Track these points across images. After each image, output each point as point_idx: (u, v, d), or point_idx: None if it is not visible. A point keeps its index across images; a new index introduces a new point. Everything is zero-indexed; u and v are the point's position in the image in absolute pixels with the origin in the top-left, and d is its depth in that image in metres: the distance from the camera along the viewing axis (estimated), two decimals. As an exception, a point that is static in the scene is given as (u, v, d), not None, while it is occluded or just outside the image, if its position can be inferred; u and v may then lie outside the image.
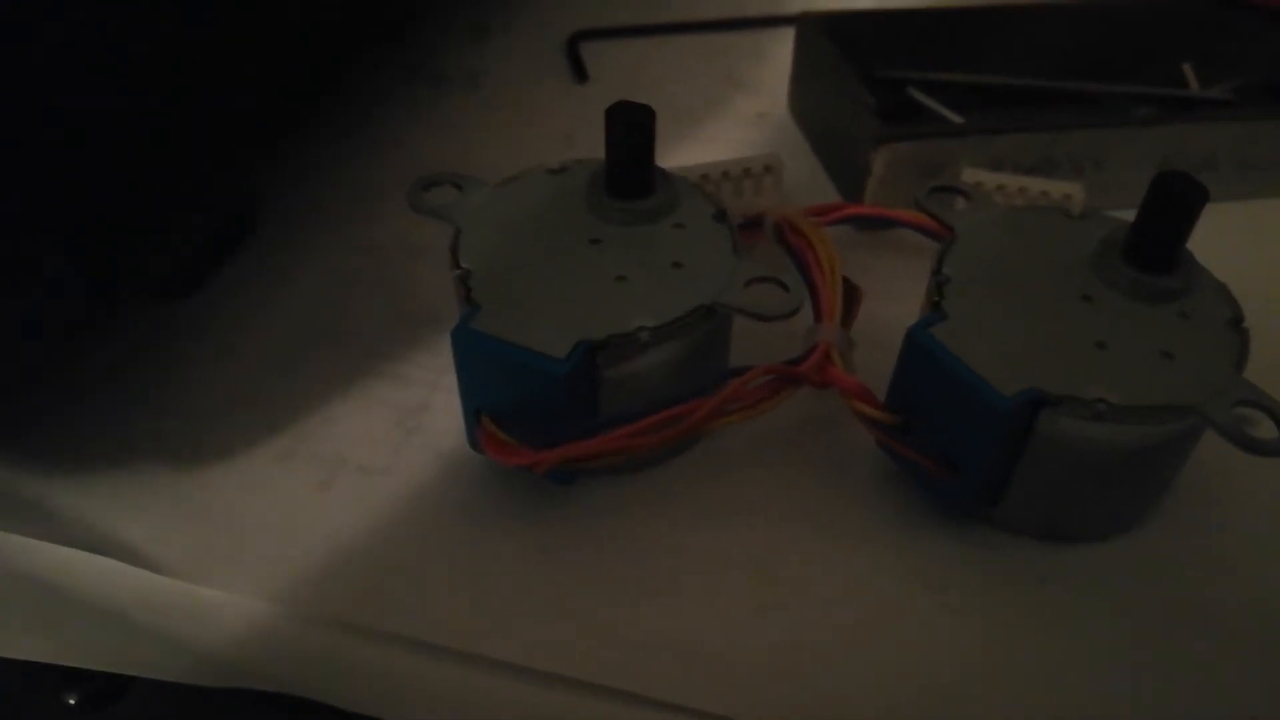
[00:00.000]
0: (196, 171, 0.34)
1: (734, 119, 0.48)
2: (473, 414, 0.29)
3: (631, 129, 0.30)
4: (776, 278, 0.29)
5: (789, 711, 0.27)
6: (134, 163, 0.30)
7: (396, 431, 0.33)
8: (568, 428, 0.28)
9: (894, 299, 0.33)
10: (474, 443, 0.30)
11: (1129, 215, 0.30)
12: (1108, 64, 0.47)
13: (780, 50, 0.49)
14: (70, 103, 0.27)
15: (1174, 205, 0.28)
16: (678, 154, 0.43)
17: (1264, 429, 0.26)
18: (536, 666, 0.27)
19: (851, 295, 0.32)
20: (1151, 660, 0.28)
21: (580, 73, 0.50)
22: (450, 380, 0.29)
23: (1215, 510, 0.31)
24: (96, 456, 0.32)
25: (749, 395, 0.28)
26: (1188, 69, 0.47)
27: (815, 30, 0.44)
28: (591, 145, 0.32)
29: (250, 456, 0.32)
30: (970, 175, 0.37)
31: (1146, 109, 0.46)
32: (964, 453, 0.28)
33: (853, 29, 0.44)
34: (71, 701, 0.31)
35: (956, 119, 0.44)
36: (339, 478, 0.32)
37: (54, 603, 0.29)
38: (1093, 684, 0.27)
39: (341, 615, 0.28)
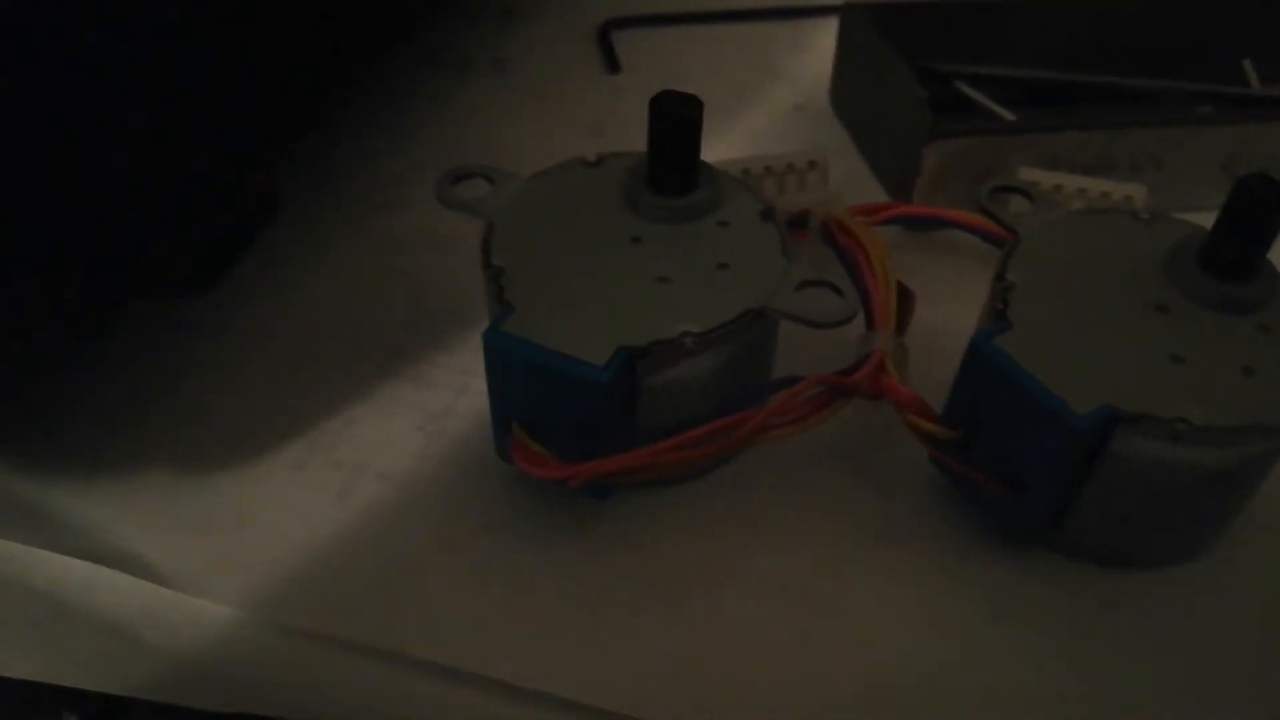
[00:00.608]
0: (211, 163, 0.32)
1: (772, 112, 0.46)
2: (502, 422, 0.27)
3: (677, 121, 0.28)
4: (830, 281, 0.27)
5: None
6: (145, 154, 0.28)
7: (419, 437, 0.31)
8: (605, 439, 0.26)
9: (948, 304, 0.31)
10: (502, 452, 0.28)
11: (1191, 218, 0.28)
12: (1163, 59, 0.45)
13: (820, 41, 0.47)
14: (78, 92, 0.25)
15: (1258, 210, 0.26)
16: (713, 147, 0.41)
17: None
18: (563, 694, 0.26)
19: (905, 300, 0.30)
20: (1218, 695, 0.26)
21: (612, 62, 0.48)
22: (477, 382, 0.28)
23: (1290, 536, 0.29)
24: (103, 462, 0.30)
25: (799, 408, 0.26)
26: (1248, 65, 0.45)
27: (861, 20, 0.42)
28: (623, 137, 0.31)
29: (264, 463, 0.30)
30: (1027, 174, 0.35)
31: (1205, 107, 0.44)
32: (1029, 472, 0.26)
33: (899, 19, 0.42)
34: (72, 723, 0.29)
35: (1008, 115, 0.42)
36: (357, 486, 0.30)
37: (55, 617, 0.28)
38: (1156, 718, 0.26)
39: (357, 635, 0.27)
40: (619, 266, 0.28)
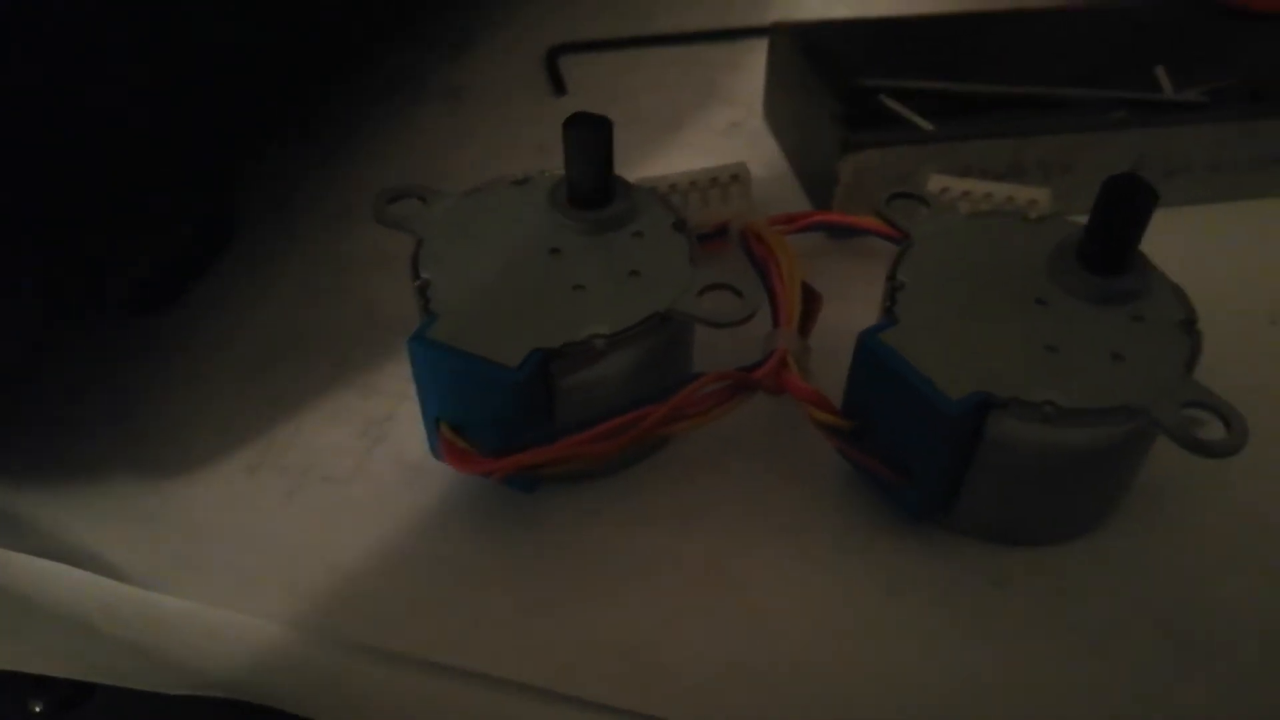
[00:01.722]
0: (172, 185, 0.34)
1: (710, 129, 0.48)
2: (433, 423, 0.30)
3: (588, 140, 0.30)
4: (731, 285, 0.29)
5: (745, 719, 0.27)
6: (107, 175, 0.30)
7: (362, 441, 0.33)
8: (526, 435, 0.28)
9: (859, 305, 0.33)
10: (436, 451, 0.30)
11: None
12: (1083, 69, 0.47)
13: (756, 61, 0.49)
14: (38, 112, 0.26)
15: (1124, 207, 0.28)
16: (652, 164, 0.44)
17: (1214, 431, 0.26)
18: (498, 674, 0.27)
19: (811, 301, 0.32)
20: (1108, 666, 0.28)
21: (559, 85, 0.51)
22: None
23: (1176, 514, 0.31)
24: (65, 468, 0.32)
25: (701, 402, 0.28)
26: (1161, 72, 0.47)
27: (786, 41, 0.44)
28: (566, 157, 0.33)
29: (218, 468, 0.32)
30: (936, 182, 0.37)
31: (1119, 113, 0.46)
32: (915, 458, 0.28)
33: (827, 39, 0.45)
34: (37, 709, 0.31)
35: (927, 126, 0.44)
36: (303, 488, 0.32)
37: (20, 611, 0.30)
38: (1049, 690, 0.27)
39: (304, 624, 0.28)
40: (538, 276, 0.30)
